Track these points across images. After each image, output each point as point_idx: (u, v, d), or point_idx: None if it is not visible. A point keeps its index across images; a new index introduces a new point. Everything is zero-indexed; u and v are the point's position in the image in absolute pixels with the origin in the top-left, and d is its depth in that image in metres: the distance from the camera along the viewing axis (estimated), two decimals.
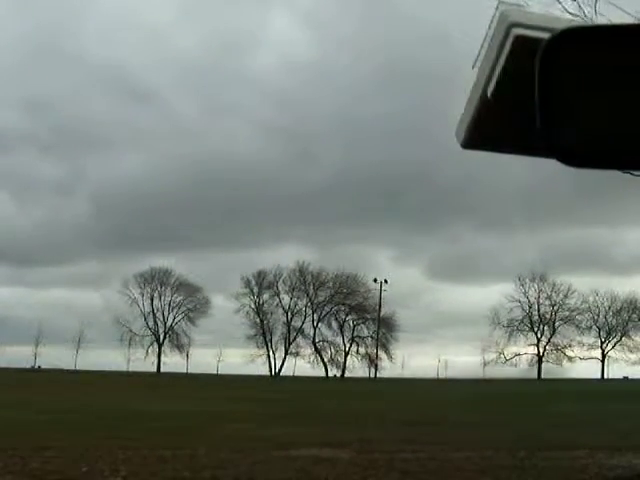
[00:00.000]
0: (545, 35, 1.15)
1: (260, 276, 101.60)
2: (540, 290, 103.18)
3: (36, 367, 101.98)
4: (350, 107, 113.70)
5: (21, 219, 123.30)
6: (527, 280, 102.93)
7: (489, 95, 1.27)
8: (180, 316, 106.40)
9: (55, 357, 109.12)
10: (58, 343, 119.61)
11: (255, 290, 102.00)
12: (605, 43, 1.13)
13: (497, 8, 1.23)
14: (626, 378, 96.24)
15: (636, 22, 1.14)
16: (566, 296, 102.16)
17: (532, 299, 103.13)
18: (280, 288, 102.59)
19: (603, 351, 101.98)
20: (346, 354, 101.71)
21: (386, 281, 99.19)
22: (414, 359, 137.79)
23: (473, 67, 1.31)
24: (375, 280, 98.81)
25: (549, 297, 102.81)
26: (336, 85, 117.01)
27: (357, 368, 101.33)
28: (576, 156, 1.16)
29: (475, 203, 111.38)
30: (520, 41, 1.19)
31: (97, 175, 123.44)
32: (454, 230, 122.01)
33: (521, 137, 1.29)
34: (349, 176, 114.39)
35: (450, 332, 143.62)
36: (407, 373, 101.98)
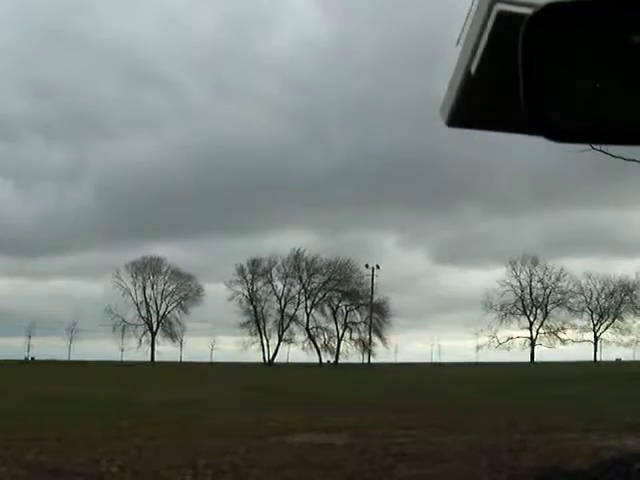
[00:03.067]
0: (529, 11, 1.14)
1: (254, 263, 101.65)
2: (532, 273, 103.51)
3: (29, 358, 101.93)
4: (363, 91, 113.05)
5: (23, 207, 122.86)
6: (519, 264, 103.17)
7: (473, 72, 1.26)
8: (173, 305, 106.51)
9: (49, 348, 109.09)
10: (53, 334, 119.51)
11: (249, 277, 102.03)
12: (589, 17, 1.13)
13: None
14: (619, 360, 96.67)
15: None
16: (558, 279, 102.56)
17: (524, 283, 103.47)
18: (274, 275, 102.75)
19: (596, 334, 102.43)
20: (339, 340, 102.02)
21: (378, 267, 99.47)
22: (408, 344, 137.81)
23: (457, 44, 1.30)
24: (367, 266, 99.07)
25: (541, 280, 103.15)
26: (350, 68, 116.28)
27: (351, 354, 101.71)
28: (561, 131, 1.16)
29: (479, 187, 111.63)
30: (503, 17, 1.18)
31: (102, 162, 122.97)
32: (458, 214, 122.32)
33: (506, 114, 1.28)
34: (356, 161, 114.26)
35: (445, 317, 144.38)
36: (401, 358, 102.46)
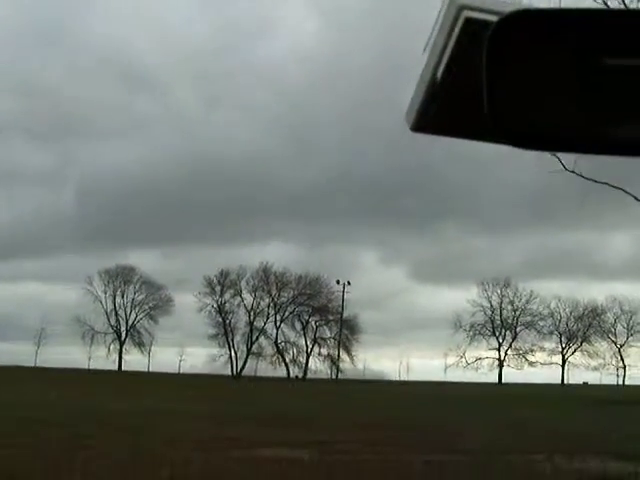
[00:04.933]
0: (495, 18, 1.15)
1: (223, 275, 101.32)
2: (503, 295, 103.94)
3: None
4: (352, 107, 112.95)
5: (3, 210, 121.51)
6: (490, 285, 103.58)
7: (439, 78, 1.26)
8: (142, 314, 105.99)
9: (14, 353, 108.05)
10: (21, 339, 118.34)
11: (217, 289, 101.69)
12: (554, 26, 1.13)
13: None
14: (586, 384, 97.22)
15: (584, 7, 1.12)
16: (528, 301, 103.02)
17: (495, 304, 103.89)
18: (243, 288, 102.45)
19: (564, 357, 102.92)
20: (308, 355, 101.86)
21: (349, 283, 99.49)
22: (377, 361, 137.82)
23: (424, 51, 1.30)
24: (338, 282, 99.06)
25: (511, 302, 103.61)
26: (341, 84, 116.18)
27: (319, 369, 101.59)
28: (524, 139, 1.16)
29: (461, 207, 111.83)
30: (470, 23, 1.18)
31: (84, 166, 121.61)
32: (438, 232, 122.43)
33: (471, 121, 1.27)
34: (340, 176, 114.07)
35: (416, 335, 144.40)
36: (369, 375, 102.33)
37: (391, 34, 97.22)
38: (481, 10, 1.19)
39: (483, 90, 1.13)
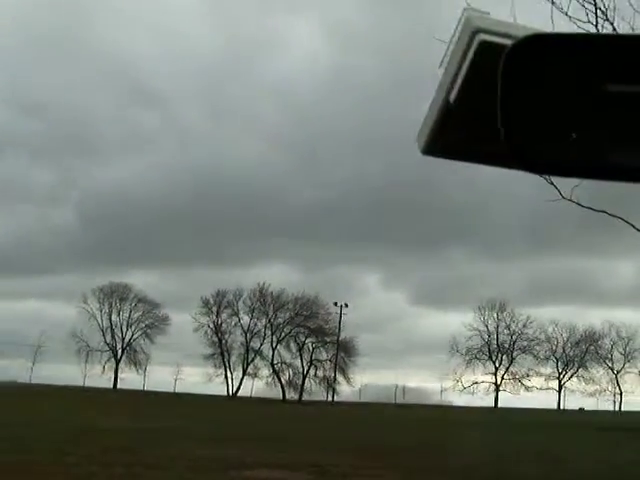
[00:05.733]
0: (509, 41, 1.14)
1: (219, 295, 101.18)
2: (499, 319, 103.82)
3: None
4: (357, 125, 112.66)
5: (2, 226, 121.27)
6: (487, 309, 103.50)
7: (451, 101, 1.25)
8: (138, 332, 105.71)
9: (10, 369, 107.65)
10: (16, 356, 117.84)
11: (214, 309, 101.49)
12: (568, 50, 1.12)
13: (463, 13, 1.21)
14: (582, 409, 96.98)
15: (597, 32, 1.12)
16: (525, 326, 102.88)
17: (491, 328, 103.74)
18: (240, 308, 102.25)
19: (560, 382, 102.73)
20: (304, 377, 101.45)
21: (346, 305, 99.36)
22: (373, 384, 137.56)
23: (440, 66, 1.29)
24: (335, 304, 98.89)
25: (508, 326, 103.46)
26: (346, 101, 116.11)
27: (315, 391, 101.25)
28: (539, 164, 1.15)
29: (465, 230, 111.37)
30: (484, 47, 1.18)
31: (85, 183, 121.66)
32: (440, 256, 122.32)
33: (483, 145, 1.27)
34: (344, 196, 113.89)
35: (413, 358, 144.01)
36: (365, 398, 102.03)
37: (398, 49, 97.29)
38: (496, 34, 1.18)
39: (497, 114, 1.12)
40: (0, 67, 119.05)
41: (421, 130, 1.37)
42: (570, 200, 18.72)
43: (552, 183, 17.65)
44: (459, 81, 1.23)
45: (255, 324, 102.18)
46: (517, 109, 1.12)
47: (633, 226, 20.51)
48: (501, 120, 1.12)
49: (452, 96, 1.25)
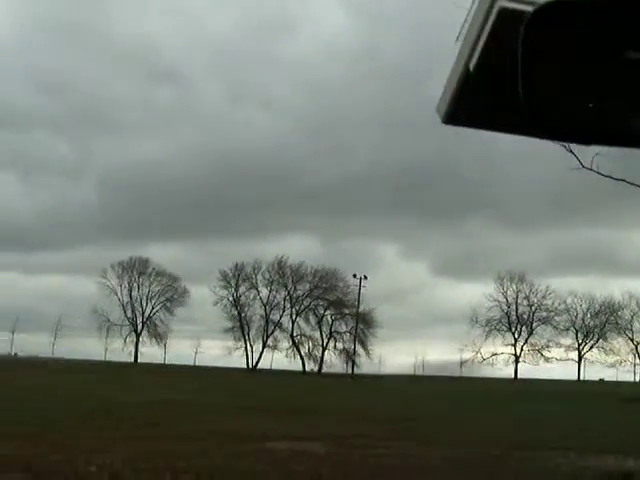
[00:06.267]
0: (530, 8, 1.13)
1: (238, 268, 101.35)
2: (519, 290, 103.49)
3: (13, 354, 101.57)
4: (379, 99, 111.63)
5: (27, 202, 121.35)
6: (506, 280, 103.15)
7: (471, 69, 1.24)
8: (158, 306, 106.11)
9: (33, 345, 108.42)
10: (38, 331, 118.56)
11: (233, 282, 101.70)
12: (589, 16, 1.11)
13: None
14: (602, 380, 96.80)
15: None
16: (544, 297, 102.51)
17: (510, 299, 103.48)
18: (259, 281, 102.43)
19: (580, 353, 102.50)
20: (324, 349, 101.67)
21: (366, 277, 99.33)
22: (392, 356, 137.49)
23: (456, 41, 1.28)
24: (354, 276, 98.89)
25: (527, 297, 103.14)
26: (368, 76, 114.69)
27: (334, 363, 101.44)
28: (559, 131, 1.14)
29: (487, 201, 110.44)
30: (504, 13, 1.17)
31: (106, 159, 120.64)
32: (461, 227, 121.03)
33: (504, 113, 1.26)
34: (366, 169, 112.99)
35: (433, 330, 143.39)
36: (384, 369, 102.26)
37: (423, 25, 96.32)
38: (516, 0, 1.17)
39: (518, 81, 1.11)
40: (23, 49, 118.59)
41: (441, 99, 1.36)
42: (590, 169, 18.61)
43: (572, 152, 17.53)
44: (479, 49, 1.22)
45: (274, 297, 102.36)
46: (537, 76, 1.12)
47: None
48: (521, 87, 1.11)
49: (472, 64, 1.24)
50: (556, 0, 1.12)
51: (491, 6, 1.18)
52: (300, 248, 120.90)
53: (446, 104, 1.34)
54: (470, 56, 1.24)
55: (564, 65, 1.13)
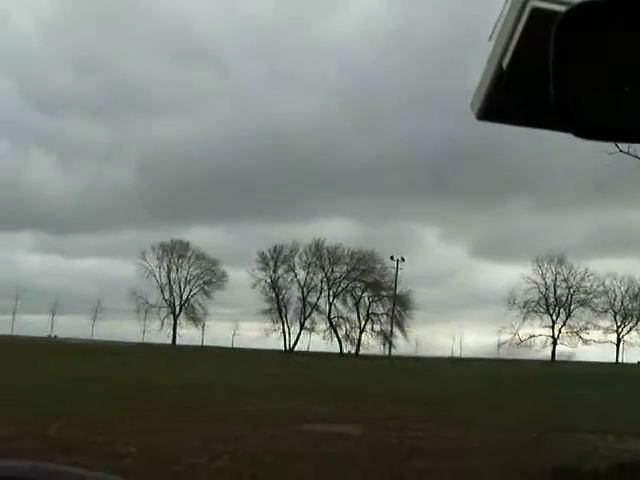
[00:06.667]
0: (562, 8, 1.15)
1: (276, 251, 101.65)
2: (557, 272, 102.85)
3: (52, 336, 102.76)
4: (420, 80, 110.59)
5: (65, 185, 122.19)
6: (545, 262, 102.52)
7: (504, 67, 1.26)
8: (196, 289, 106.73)
9: (72, 327, 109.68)
10: (78, 313, 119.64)
11: (271, 265, 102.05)
12: (622, 17, 1.13)
13: None
14: None
15: None
16: (583, 279, 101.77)
17: (549, 281, 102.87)
18: (296, 263, 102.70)
19: (619, 335, 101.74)
20: (361, 331, 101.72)
21: (403, 259, 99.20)
22: (430, 338, 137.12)
23: (489, 39, 1.31)
24: (392, 257, 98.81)
25: (566, 279, 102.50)
26: (409, 56, 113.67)
27: (372, 345, 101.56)
28: (590, 129, 1.16)
29: (528, 183, 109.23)
30: (537, 13, 1.19)
31: (143, 141, 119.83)
32: (502, 209, 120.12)
33: (536, 110, 1.28)
34: (406, 151, 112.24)
35: (471, 312, 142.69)
36: (421, 352, 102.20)
37: (459, 5, 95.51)
38: (548, 0, 1.19)
39: (550, 80, 1.13)
40: (61, 30, 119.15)
41: (475, 96, 1.39)
42: (627, 153, 18.47)
43: None
44: (511, 47, 1.24)
45: (312, 279, 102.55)
46: (568, 76, 1.14)
47: None
48: (553, 87, 1.13)
49: (505, 62, 1.26)
50: (589, 0, 1.14)
51: (523, 6, 1.20)
52: (339, 231, 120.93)
53: (480, 101, 1.37)
54: (503, 55, 1.26)
55: (595, 65, 1.15)
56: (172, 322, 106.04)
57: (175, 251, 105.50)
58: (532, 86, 1.25)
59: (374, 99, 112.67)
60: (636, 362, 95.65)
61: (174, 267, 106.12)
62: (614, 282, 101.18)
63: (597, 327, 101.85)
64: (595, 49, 1.15)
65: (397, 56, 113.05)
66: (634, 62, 1.14)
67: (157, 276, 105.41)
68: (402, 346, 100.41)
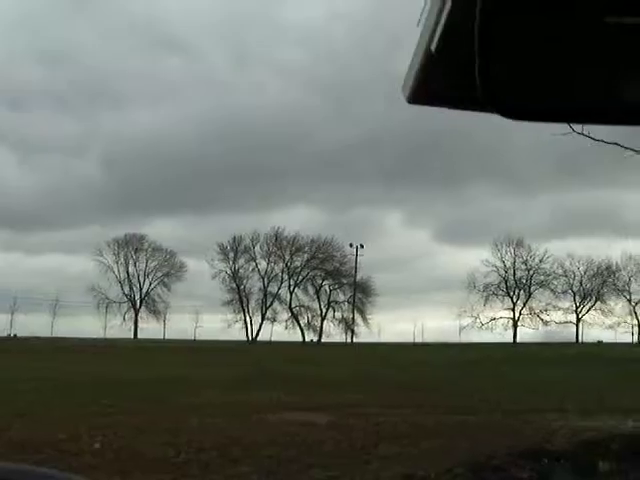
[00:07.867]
0: None
1: (236, 241, 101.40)
2: (516, 255, 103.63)
3: (12, 335, 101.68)
4: (387, 67, 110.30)
5: (28, 180, 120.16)
6: (503, 245, 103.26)
7: (433, 50, 1.28)
8: (155, 282, 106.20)
9: (31, 325, 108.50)
10: (36, 311, 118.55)
11: (231, 255, 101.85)
12: None
13: None
14: (600, 342, 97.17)
15: None
16: (542, 261, 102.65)
17: (508, 264, 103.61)
18: (257, 253, 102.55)
19: (578, 315, 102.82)
20: (322, 319, 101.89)
21: (362, 246, 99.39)
22: (391, 324, 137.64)
23: (417, 25, 1.32)
24: (351, 245, 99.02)
25: (525, 262, 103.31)
26: (379, 42, 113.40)
27: (334, 333, 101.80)
28: (515, 110, 1.18)
29: (489, 167, 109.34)
30: None
31: (108, 134, 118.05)
32: (464, 193, 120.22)
33: (465, 92, 1.30)
34: (371, 138, 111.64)
35: (432, 296, 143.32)
36: (384, 338, 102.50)
37: None
38: None
39: (475, 62, 1.15)
40: (26, 20, 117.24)
41: (405, 80, 1.40)
42: (581, 133, 18.56)
43: None
44: (439, 31, 1.25)
45: (272, 269, 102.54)
46: (493, 57, 1.15)
47: None
48: (478, 68, 1.15)
49: (433, 46, 1.28)
50: None
51: None
52: (302, 219, 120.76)
53: (410, 85, 1.38)
54: (431, 38, 1.28)
55: (518, 46, 1.17)
56: (133, 317, 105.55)
57: (131, 245, 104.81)
58: (461, 69, 1.26)
59: (339, 87, 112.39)
60: (596, 342, 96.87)
61: (131, 261, 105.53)
62: (573, 263, 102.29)
63: (557, 308, 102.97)
64: (518, 31, 1.17)
65: (361, 39, 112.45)
66: (556, 43, 1.16)
67: (115, 271, 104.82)
68: (364, 333, 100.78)
